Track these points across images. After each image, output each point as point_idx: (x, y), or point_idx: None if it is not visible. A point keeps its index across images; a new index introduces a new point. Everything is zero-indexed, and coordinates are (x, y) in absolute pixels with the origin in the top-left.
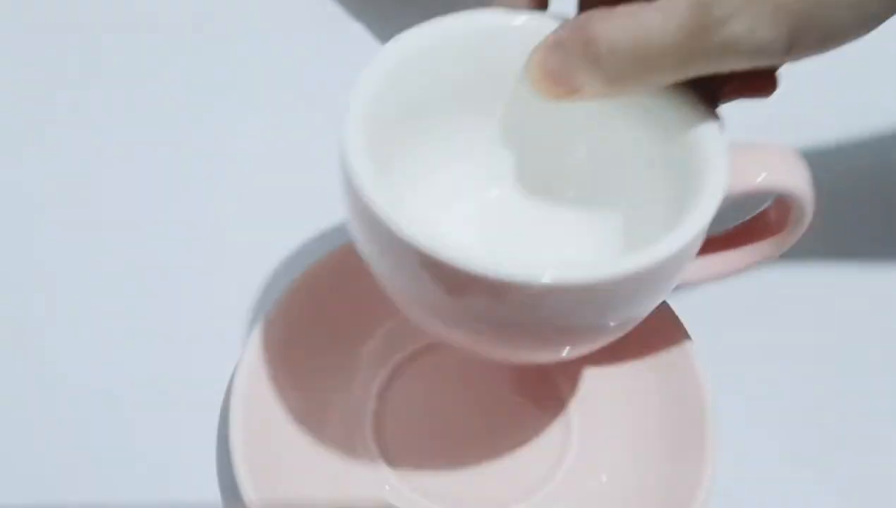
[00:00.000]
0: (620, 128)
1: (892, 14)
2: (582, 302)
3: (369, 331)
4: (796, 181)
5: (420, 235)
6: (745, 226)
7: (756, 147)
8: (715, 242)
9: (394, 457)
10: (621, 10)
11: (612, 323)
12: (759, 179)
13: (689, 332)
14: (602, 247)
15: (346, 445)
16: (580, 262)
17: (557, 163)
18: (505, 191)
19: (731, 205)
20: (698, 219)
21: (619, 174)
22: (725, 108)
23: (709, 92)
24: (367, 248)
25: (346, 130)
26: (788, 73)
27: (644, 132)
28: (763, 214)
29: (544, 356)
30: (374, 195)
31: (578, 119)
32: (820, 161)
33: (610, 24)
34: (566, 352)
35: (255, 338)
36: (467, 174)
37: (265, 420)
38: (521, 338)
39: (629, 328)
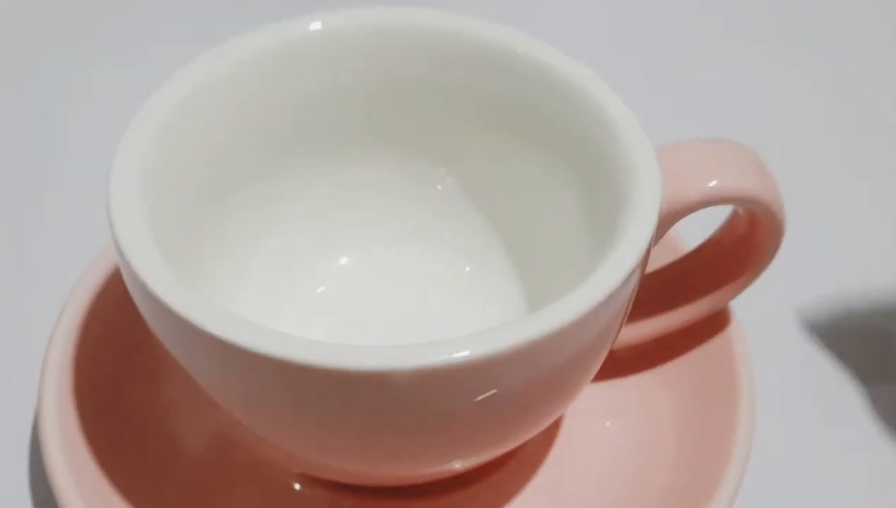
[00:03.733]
0: (503, 146)
1: None
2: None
3: None
4: (763, 183)
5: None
6: (689, 261)
7: (697, 143)
8: (652, 291)
9: None
10: None
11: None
12: (711, 185)
13: None
14: (504, 311)
15: None
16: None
17: (420, 205)
18: (356, 258)
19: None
20: (620, 265)
21: (511, 208)
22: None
23: None
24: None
25: (113, 205)
26: None
27: (534, 146)
28: (712, 244)
29: (431, 464)
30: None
31: (443, 143)
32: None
33: None
34: (461, 460)
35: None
36: (300, 242)
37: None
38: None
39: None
